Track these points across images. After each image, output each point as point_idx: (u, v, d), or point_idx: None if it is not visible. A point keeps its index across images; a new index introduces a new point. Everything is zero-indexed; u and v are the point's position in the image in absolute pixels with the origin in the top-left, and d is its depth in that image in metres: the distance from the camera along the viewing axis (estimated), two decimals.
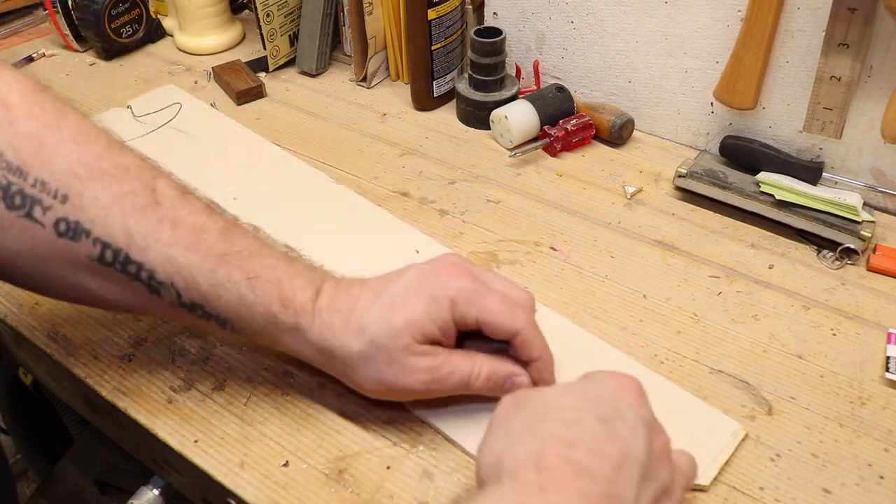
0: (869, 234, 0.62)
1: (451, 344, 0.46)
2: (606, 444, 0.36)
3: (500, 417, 0.40)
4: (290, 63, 0.93)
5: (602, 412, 0.38)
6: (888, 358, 0.54)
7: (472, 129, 0.81)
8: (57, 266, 0.43)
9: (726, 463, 0.48)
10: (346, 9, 0.86)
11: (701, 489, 0.46)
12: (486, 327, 0.45)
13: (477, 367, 0.46)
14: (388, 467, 0.48)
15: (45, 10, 0.95)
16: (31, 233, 0.42)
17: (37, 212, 0.41)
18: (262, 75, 0.90)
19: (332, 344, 0.45)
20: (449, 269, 0.46)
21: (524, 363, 0.47)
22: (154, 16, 0.97)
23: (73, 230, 0.42)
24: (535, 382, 0.47)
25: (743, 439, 0.49)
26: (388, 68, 0.90)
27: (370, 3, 0.82)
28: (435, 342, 0.45)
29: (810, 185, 0.67)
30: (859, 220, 0.63)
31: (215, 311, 0.45)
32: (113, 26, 0.92)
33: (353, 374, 0.46)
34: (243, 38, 0.99)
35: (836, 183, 0.68)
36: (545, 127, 0.76)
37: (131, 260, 0.43)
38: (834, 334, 0.57)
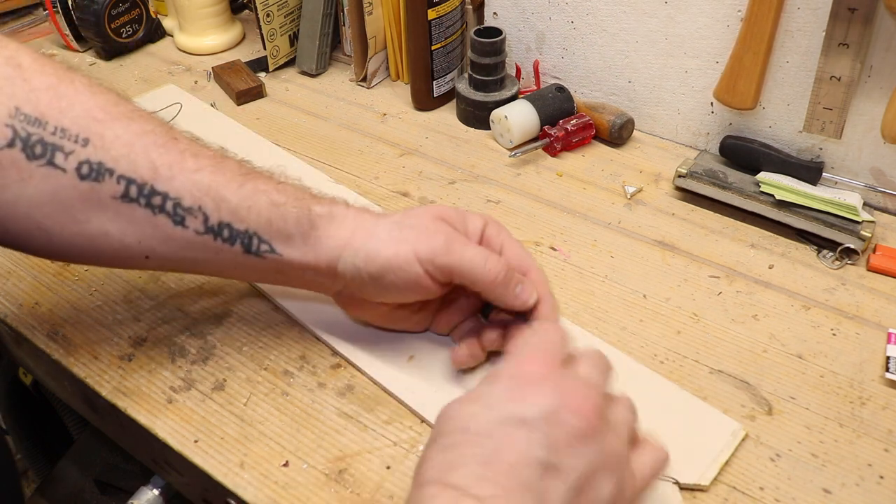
0: (869, 234, 0.62)
1: None
2: (480, 459, 0.36)
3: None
4: (290, 63, 0.93)
5: (480, 428, 0.37)
6: (888, 358, 0.54)
7: (472, 129, 0.81)
8: (78, 211, 0.43)
9: (726, 463, 0.48)
10: (346, 9, 0.86)
11: (701, 489, 0.46)
12: (508, 253, 0.50)
13: (495, 255, 0.48)
14: (388, 467, 0.48)
15: (45, 10, 0.95)
16: (53, 180, 0.42)
17: (58, 158, 0.42)
18: (262, 75, 0.90)
19: (365, 222, 0.48)
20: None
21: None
22: (154, 16, 0.97)
23: (95, 171, 0.43)
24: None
25: (743, 439, 0.49)
26: (388, 68, 0.90)
27: (370, 3, 0.82)
28: None
29: (810, 185, 0.67)
30: (859, 220, 0.63)
31: (244, 225, 0.46)
32: (113, 26, 0.92)
33: (373, 239, 0.47)
34: (243, 38, 0.99)
35: (836, 183, 0.68)
36: (545, 127, 0.76)
37: (157, 191, 0.44)
38: (834, 334, 0.57)
